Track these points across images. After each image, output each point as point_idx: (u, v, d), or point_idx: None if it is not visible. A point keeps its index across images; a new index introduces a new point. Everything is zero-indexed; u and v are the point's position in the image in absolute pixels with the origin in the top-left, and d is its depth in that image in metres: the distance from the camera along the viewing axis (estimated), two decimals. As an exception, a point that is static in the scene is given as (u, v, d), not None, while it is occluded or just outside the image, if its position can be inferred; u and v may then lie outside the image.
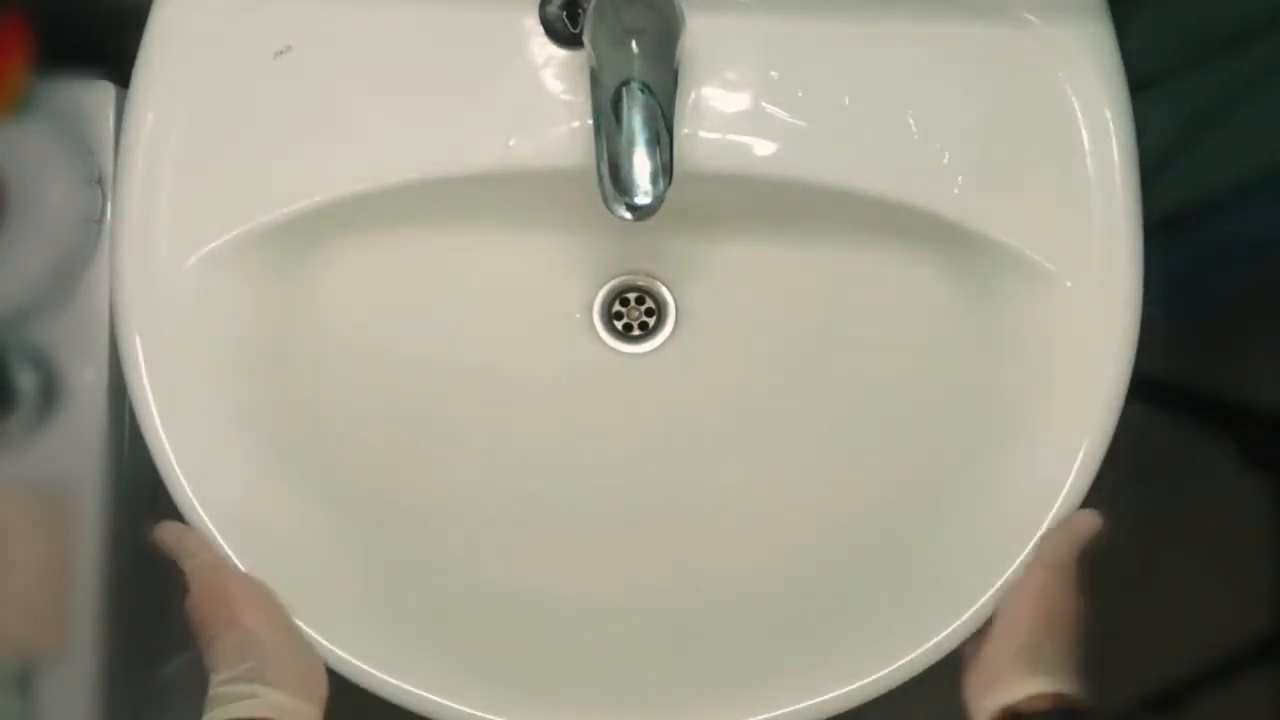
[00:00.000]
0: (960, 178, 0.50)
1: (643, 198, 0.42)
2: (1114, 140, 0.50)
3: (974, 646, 0.48)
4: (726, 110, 0.51)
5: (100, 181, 0.55)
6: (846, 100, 0.51)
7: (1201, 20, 0.57)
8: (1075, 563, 0.49)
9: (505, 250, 0.58)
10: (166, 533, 0.49)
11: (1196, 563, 1.12)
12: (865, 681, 0.48)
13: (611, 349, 0.59)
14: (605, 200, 0.44)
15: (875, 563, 0.53)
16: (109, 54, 0.54)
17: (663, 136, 0.43)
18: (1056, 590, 0.48)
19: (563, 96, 0.50)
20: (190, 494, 0.49)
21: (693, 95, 0.50)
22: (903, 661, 0.48)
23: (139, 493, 0.58)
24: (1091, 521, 0.50)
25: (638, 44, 0.44)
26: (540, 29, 0.51)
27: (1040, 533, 0.49)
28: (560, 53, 0.51)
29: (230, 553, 0.49)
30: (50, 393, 0.56)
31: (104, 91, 0.55)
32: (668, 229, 0.55)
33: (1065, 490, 0.50)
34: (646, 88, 0.43)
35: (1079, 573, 0.49)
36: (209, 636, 0.47)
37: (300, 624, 0.48)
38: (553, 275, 0.59)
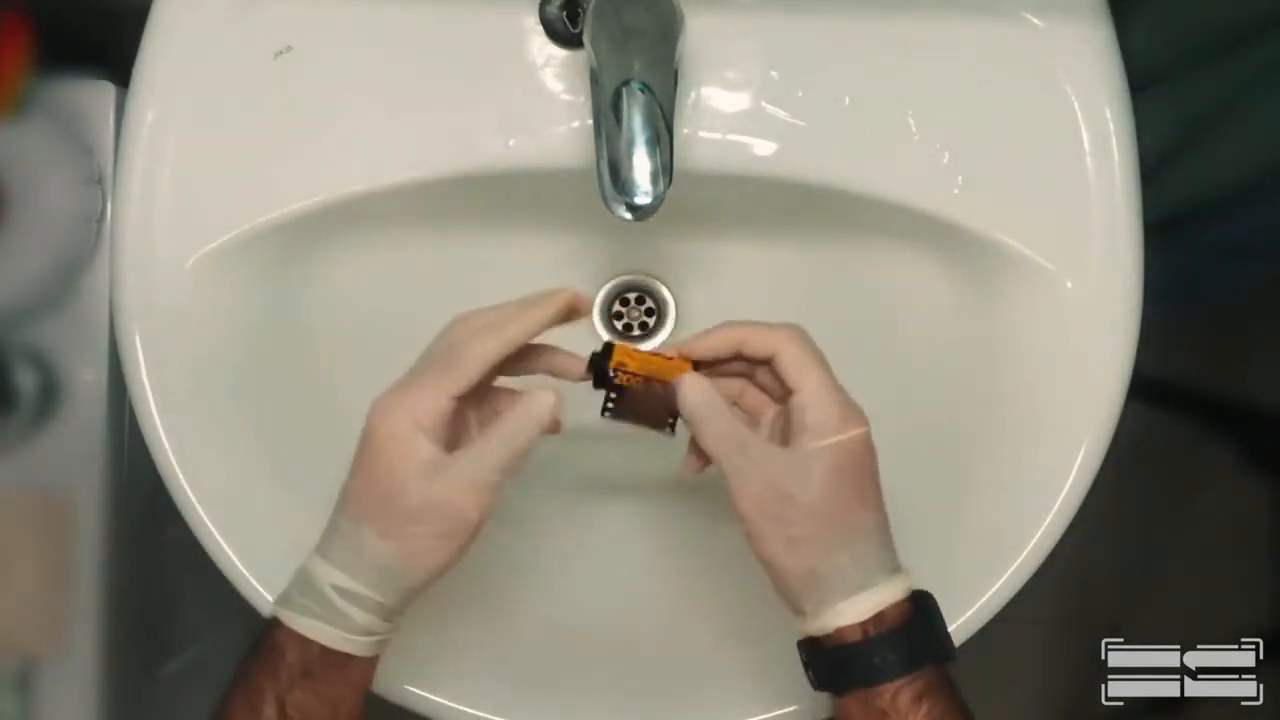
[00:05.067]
0: (960, 178, 0.50)
1: (642, 198, 0.42)
2: (1114, 140, 0.50)
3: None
4: (726, 110, 0.51)
5: (100, 181, 0.55)
6: (846, 100, 0.51)
7: (1201, 20, 0.57)
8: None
9: (505, 250, 0.58)
10: None
11: (1196, 562, 1.12)
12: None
13: (611, 349, 0.59)
14: (605, 200, 0.44)
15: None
16: (109, 54, 0.54)
17: (663, 136, 0.43)
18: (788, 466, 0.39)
19: (563, 96, 0.50)
20: (190, 494, 0.49)
21: (693, 95, 0.51)
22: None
23: (139, 493, 0.58)
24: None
25: (637, 44, 0.44)
26: (540, 29, 0.51)
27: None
28: (560, 53, 0.51)
29: (230, 552, 0.49)
30: (50, 393, 0.56)
31: (104, 91, 0.56)
32: (668, 229, 0.55)
33: (1065, 490, 0.50)
34: (646, 88, 0.43)
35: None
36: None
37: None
38: (553, 275, 0.59)
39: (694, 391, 0.41)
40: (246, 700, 0.39)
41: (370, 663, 0.42)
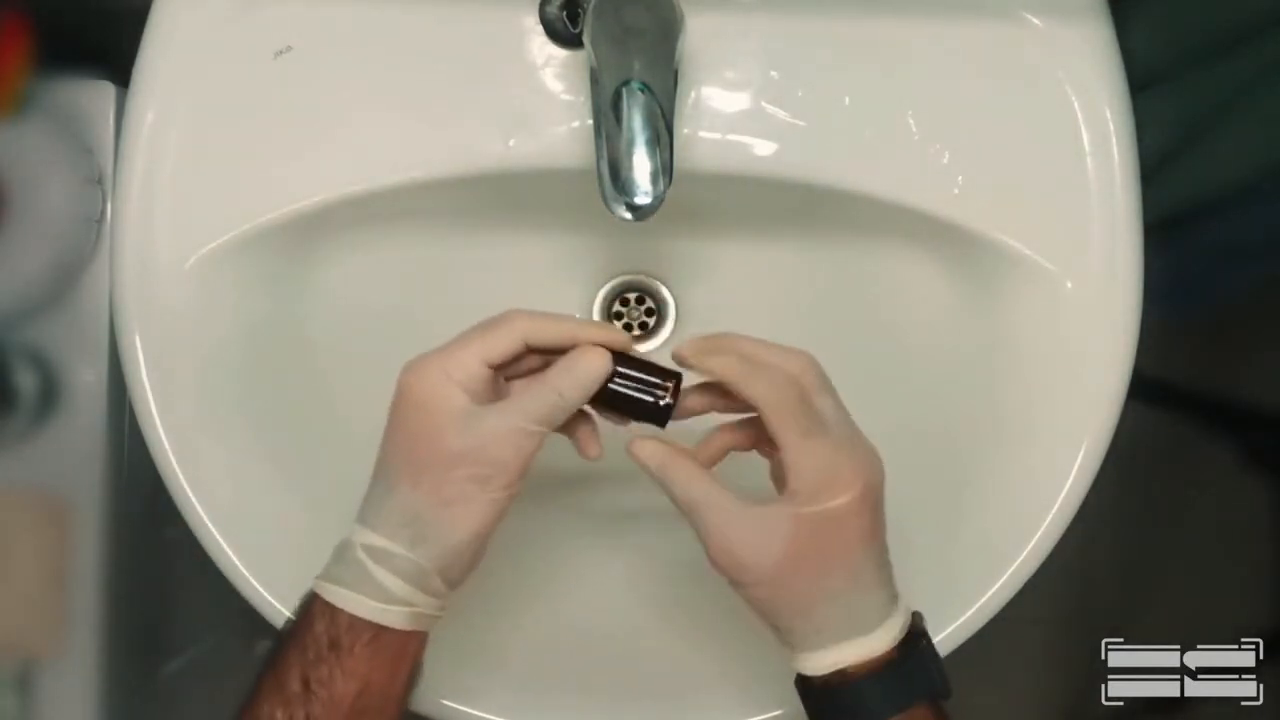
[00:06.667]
0: (960, 178, 0.50)
1: (642, 198, 0.42)
2: (1114, 140, 0.50)
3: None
4: (726, 110, 0.51)
5: (100, 181, 0.55)
6: (846, 100, 0.51)
7: (1201, 20, 0.57)
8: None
9: (505, 250, 0.58)
10: None
11: (1196, 562, 1.12)
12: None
13: (611, 349, 0.59)
14: (605, 200, 0.44)
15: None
16: (109, 54, 0.54)
17: (662, 136, 0.42)
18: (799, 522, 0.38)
19: (563, 96, 0.50)
20: (190, 494, 0.49)
21: (693, 95, 0.51)
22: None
23: (139, 493, 0.58)
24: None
25: (637, 44, 0.44)
26: (540, 29, 0.51)
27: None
28: (560, 53, 0.51)
29: (230, 552, 0.49)
30: (50, 393, 0.56)
31: (104, 91, 0.56)
32: (668, 229, 0.55)
33: (1065, 490, 0.50)
34: (646, 88, 0.43)
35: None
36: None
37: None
38: (553, 275, 0.59)
39: (648, 456, 0.40)
40: (274, 675, 0.38)
41: (405, 641, 0.39)
